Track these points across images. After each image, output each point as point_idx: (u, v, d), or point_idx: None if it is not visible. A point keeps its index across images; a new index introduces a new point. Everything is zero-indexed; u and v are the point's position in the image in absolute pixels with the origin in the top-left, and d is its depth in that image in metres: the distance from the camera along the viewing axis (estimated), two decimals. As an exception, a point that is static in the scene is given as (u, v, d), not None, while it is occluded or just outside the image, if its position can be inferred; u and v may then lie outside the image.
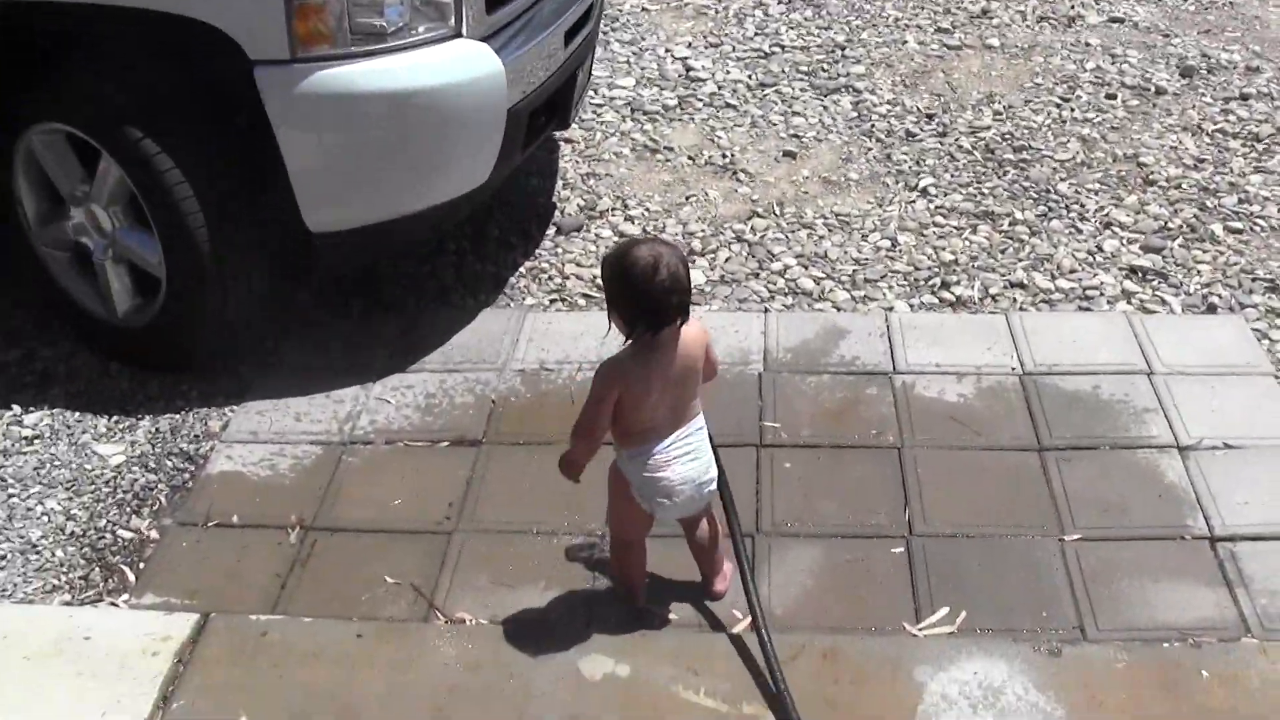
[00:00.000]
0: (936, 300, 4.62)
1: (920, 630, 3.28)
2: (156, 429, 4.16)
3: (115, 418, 4.22)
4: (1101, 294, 4.59)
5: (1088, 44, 6.53)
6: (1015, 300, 4.59)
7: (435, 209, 4.27)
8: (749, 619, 3.29)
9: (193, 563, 3.62)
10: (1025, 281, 4.67)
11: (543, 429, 4.01)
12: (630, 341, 2.98)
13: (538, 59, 4.38)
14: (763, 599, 3.29)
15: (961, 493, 3.70)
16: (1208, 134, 5.64)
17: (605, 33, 6.91)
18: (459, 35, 4.08)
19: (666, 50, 6.71)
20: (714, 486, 3.18)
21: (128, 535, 3.73)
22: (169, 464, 4.01)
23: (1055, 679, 3.08)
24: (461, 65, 4.08)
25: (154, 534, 3.73)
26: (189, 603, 3.47)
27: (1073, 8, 6.98)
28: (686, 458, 3.08)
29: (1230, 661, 3.12)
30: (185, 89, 4.05)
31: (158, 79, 4.05)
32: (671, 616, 3.37)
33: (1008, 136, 5.67)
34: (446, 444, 4.01)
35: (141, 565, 3.62)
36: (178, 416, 4.21)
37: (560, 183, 5.54)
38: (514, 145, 4.35)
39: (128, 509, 3.83)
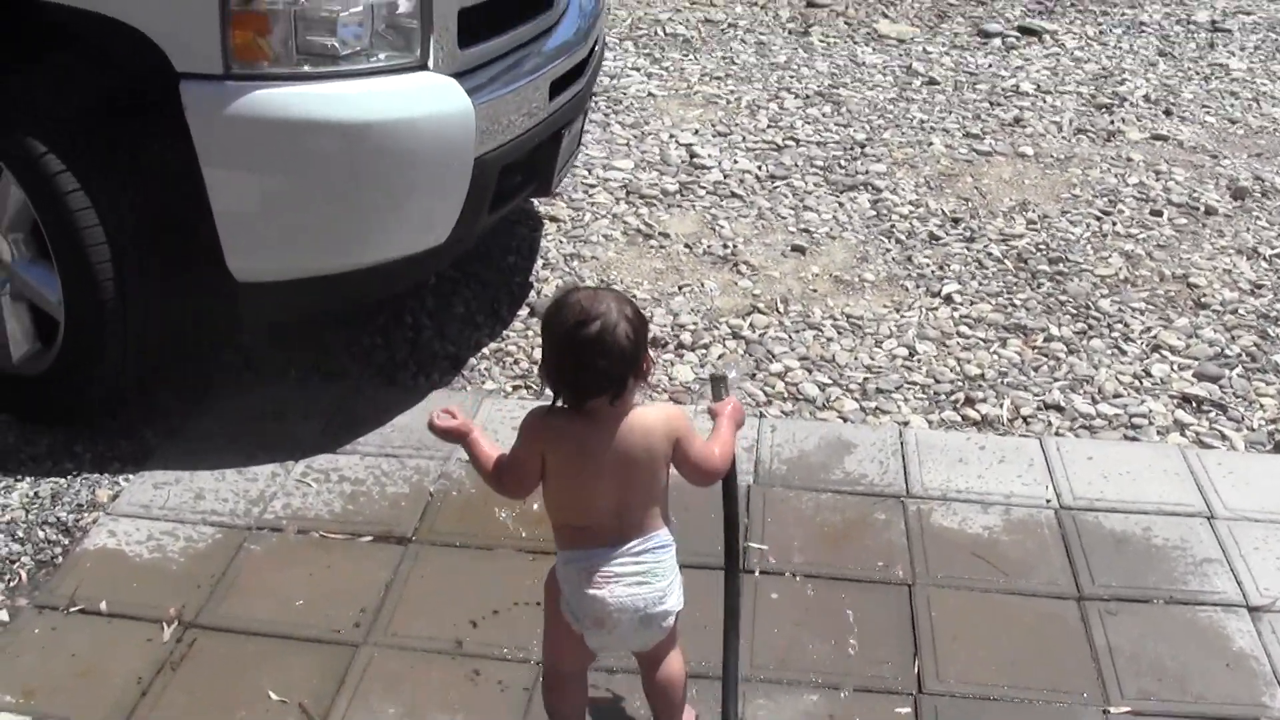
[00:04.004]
0: (959, 418, 4.00)
1: (929, 815, 2.61)
2: (35, 493, 3.55)
3: (-11, 476, 3.61)
4: (1150, 423, 3.96)
5: (1129, 159, 5.98)
6: (1050, 424, 3.96)
7: (384, 268, 3.68)
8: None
9: (41, 655, 2.98)
10: (1062, 403, 4.05)
11: (484, 530, 3.38)
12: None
13: (516, 107, 3.82)
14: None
15: (984, 644, 3.04)
16: (1264, 258, 5.05)
17: (607, 114, 6.40)
18: (424, 68, 3.53)
19: (671, 135, 6.17)
20: (669, 621, 2.50)
21: (-30, 616, 3.10)
22: (40, 535, 3.39)
23: None
24: (425, 99, 3.53)
25: (3, 615, 3.12)
26: (22, 703, 2.83)
27: (1112, 122, 6.44)
28: (632, 578, 2.42)
29: None
30: (101, 102, 3.48)
31: (70, 87, 3.49)
32: (616, 775, 2.71)
33: (1042, 247, 5.09)
34: (369, 539, 3.37)
35: (-22, 653, 2.99)
36: (63, 481, 3.60)
37: (540, 262, 4.96)
38: (480, 202, 3.76)
39: (-21, 584, 3.21)
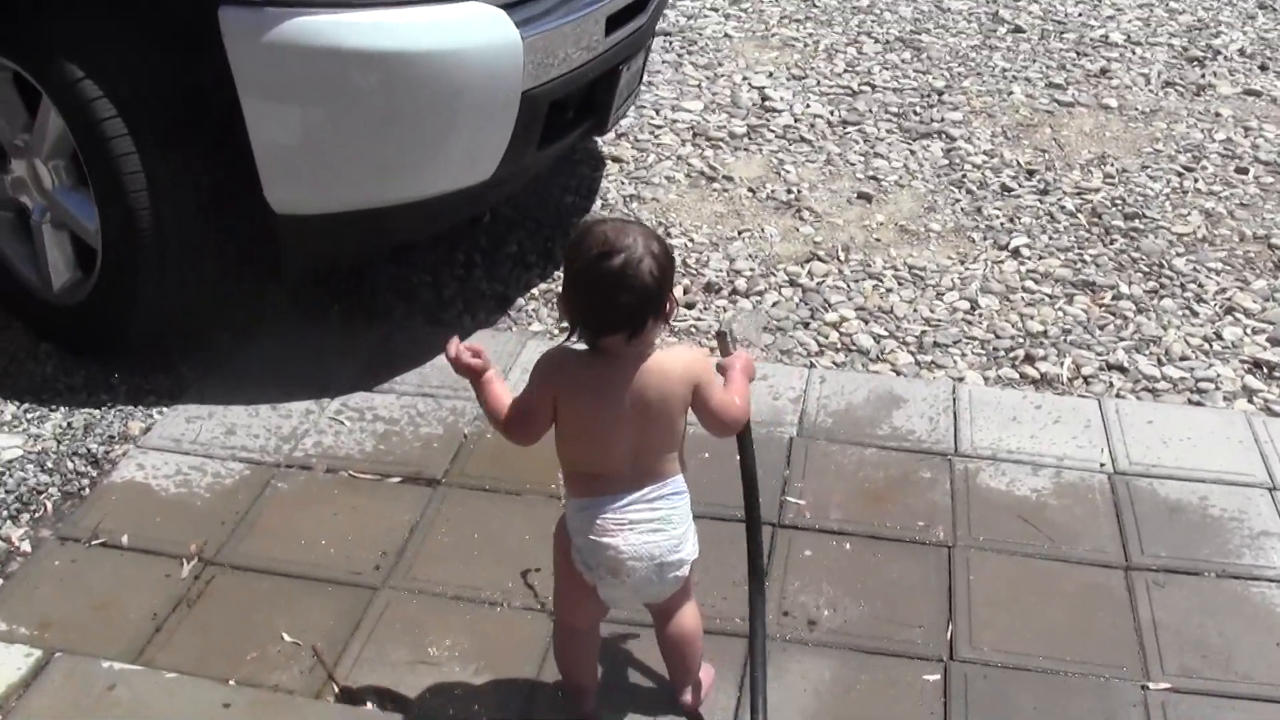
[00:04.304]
0: (1016, 375, 3.85)
1: (948, 788, 2.50)
2: (68, 424, 3.52)
3: (26, 405, 3.61)
4: (1217, 388, 3.79)
5: (1218, 114, 5.74)
6: (1111, 384, 3.80)
7: (426, 204, 3.59)
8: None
9: (60, 587, 2.94)
10: (1126, 364, 3.89)
11: (516, 474, 3.30)
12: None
13: (569, 41, 3.70)
14: (749, 721, 2.55)
15: (1022, 612, 2.91)
16: (1354, 222, 4.84)
17: (680, 55, 6.27)
18: (471, -3, 3.42)
19: (744, 78, 6.02)
20: (685, 570, 2.41)
21: (-7, 544, 3.07)
22: (69, 466, 3.35)
23: None
24: (470, 30, 3.42)
25: (25, 545, 3.08)
26: (37, 635, 2.79)
27: (1203, 76, 6.20)
28: (646, 526, 2.33)
29: None
30: (140, 26, 3.41)
31: (108, 11, 3.42)
32: (628, 731, 2.62)
33: (1118, 202, 4.89)
34: (398, 480, 3.31)
35: (-1, 581, 2.97)
36: (96, 412, 3.56)
37: (599, 203, 4.86)
38: (528, 137, 3.66)
39: (5, 512, 3.18)
